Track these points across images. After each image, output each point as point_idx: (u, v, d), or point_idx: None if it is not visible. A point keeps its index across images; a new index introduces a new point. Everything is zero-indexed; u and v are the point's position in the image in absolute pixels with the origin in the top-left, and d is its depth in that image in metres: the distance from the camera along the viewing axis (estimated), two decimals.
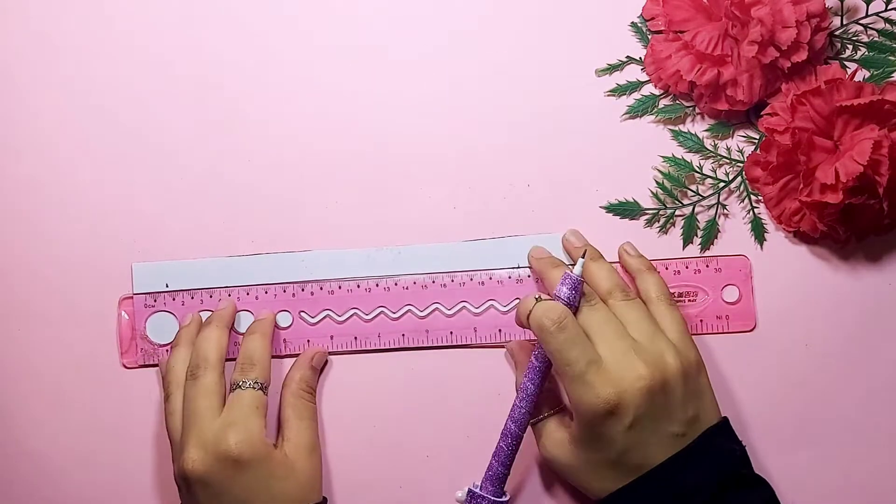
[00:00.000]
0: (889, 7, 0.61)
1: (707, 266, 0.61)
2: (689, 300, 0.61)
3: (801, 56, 0.58)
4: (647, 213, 0.62)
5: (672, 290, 0.61)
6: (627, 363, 0.55)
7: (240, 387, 0.58)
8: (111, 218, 0.64)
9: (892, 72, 0.61)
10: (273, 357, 0.62)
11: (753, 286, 0.61)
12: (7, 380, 0.63)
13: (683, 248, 0.62)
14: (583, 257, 0.58)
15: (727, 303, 0.61)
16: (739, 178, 0.62)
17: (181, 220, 0.63)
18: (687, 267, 0.61)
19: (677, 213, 0.62)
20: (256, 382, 0.59)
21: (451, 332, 0.62)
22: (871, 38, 0.61)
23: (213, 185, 0.64)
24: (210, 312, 0.62)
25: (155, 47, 0.64)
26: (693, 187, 0.62)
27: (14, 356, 0.64)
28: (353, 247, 0.63)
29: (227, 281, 0.63)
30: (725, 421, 0.57)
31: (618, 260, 0.61)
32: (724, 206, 0.62)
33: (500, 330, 0.62)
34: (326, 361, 0.62)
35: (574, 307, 0.56)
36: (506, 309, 0.62)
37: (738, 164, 0.62)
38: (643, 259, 0.61)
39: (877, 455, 0.60)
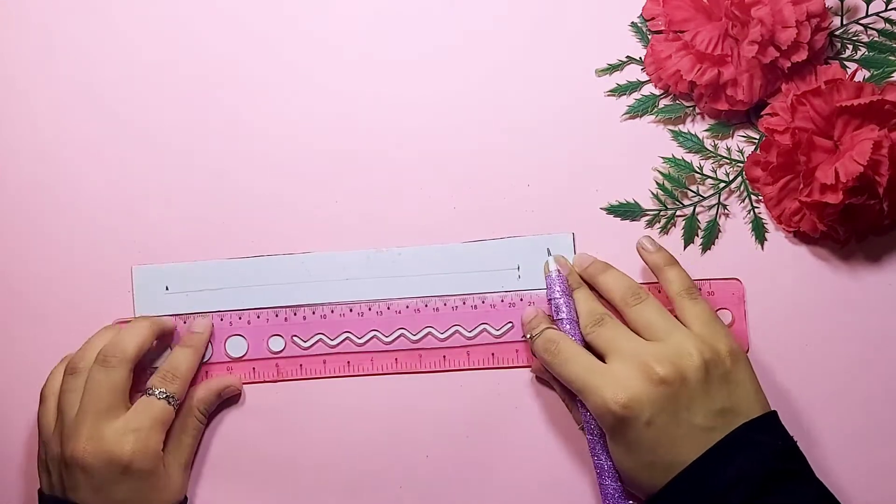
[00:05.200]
0: (889, 7, 0.61)
1: (700, 290, 0.61)
2: None
3: (801, 56, 0.58)
4: (647, 214, 0.62)
5: None
6: (636, 364, 0.54)
7: (155, 395, 0.59)
8: (111, 220, 0.64)
9: (892, 72, 0.61)
10: (265, 382, 0.62)
11: (746, 310, 0.61)
12: (7, 379, 0.63)
13: (684, 249, 0.62)
14: (549, 255, 0.61)
15: None
16: (740, 179, 0.62)
17: (181, 223, 0.63)
18: None
19: (678, 213, 0.62)
20: (172, 397, 0.59)
21: (444, 357, 0.62)
22: (871, 38, 0.61)
23: (213, 187, 0.64)
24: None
25: (155, 48, 0.64)
26: (693, 188, 0.62)
27: (14, 356, 0.64)
28: (354, 247, 0.63)
29: (227, 283, 0.63)
30: (769, 414, 0.55)
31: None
32: (724, 207, 0.62)
33: (493, 354, 0.62)
34: (240, 394, 0.62)
35: (568, 295, 0.59)
36: (498, 333, 0.62)
37: (739, 164, 0.62)
38: (662, 253, 0.60)
39: (877, 455, 0.60)
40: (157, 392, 0.59)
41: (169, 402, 0.59)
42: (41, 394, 0.61)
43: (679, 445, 0.53)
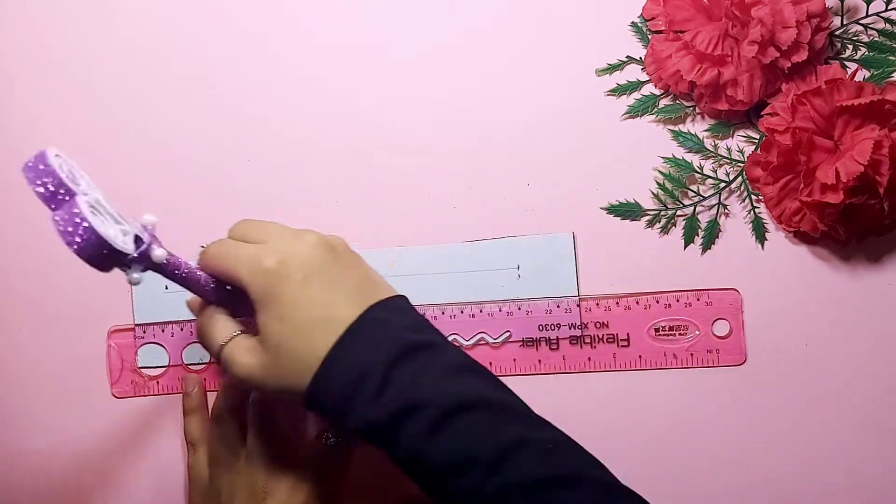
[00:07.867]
0: (889, 7, 0.61)
1: (698, 300, 0.61)
2: (680, 334, 0.61)
3: (802, 56, 0.58)
4: (647, 214, 0.62)
5: (663, 324, 0.61)
6: (282, 236, 0.54)
7: (330, 442, 0.59)
8: None
9: (893, 72, 0.61)
10: None
11: (744, 320, 0.61)
12: (7, 378, 0.63)
13: (684, 249, 0.62)
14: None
15: (717, 337, 0.61)
16: (740, 179, 0.62)
17: (180, 222, 0.63)
18: (678, 300, 0.61)
19: (678, 213, 0.62)
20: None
21: None
22: (871, 38, 0.61)
23: (213, 187, 0.64)
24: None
25: (155, 47, 0.64)
26: (694, 188, 0.62)
27: (14, 354, 0.64)
28: (353, 247, 0.63)
29: None
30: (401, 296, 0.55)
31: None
32: (724, 207, 0.62)
33: (490, 363, 0.62)
34: None
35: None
36: (495, 342, 0.62)
37: (739, 164, 0.62)
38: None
39: (877, 455, 0.60)
40: (331, 440, 0.59)
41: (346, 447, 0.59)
42: (188, 442, 0.61)
43: (336, 302, 0.52)
